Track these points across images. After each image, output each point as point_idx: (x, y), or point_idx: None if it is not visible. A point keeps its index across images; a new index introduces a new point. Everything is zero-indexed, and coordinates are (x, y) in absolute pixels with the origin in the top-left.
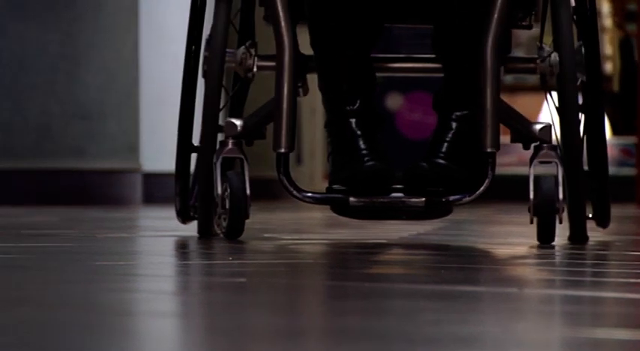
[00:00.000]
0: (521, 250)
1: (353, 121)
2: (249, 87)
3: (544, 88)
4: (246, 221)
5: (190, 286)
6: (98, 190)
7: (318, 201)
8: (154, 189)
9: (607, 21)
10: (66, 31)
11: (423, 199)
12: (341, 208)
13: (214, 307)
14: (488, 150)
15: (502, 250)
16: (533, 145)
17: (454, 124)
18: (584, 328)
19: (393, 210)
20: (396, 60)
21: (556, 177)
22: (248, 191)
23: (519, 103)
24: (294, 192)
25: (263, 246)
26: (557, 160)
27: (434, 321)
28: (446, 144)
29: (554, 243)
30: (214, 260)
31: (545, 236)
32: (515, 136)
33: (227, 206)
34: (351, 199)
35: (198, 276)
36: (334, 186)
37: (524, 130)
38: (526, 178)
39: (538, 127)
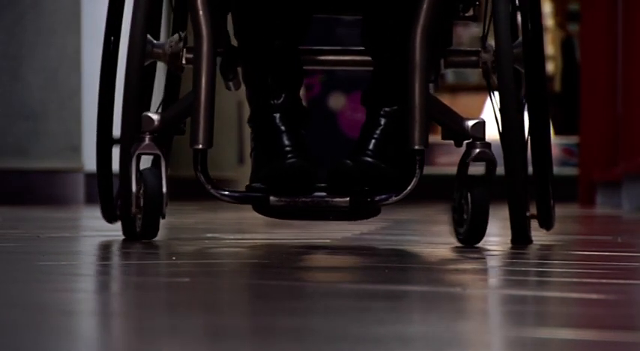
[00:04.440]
0: (465, 249)
1: (277, 115)
2: (180, 80)
3: (488, 88)
4: (191, 221)
5: (133, 286)
6: (41, 189)
7: (236, 200)
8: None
9: (549, 21)
10: (8, 30)
11: (347, 198)
12: (261, 207)
13: (157, 307)
14: (416, 147)
15: (446, 250)
16: (465, 142)
17: (383, 121)
18: (529, 327)
19: (316, 210)
20: (324, 52)
21: (488, 175)
22: (164, 189)
23: (461, 102)
24: (212, 190)
25: (206, 246)
26: (490, 159)
27: (378, 320)
28: (373, 141)
29: (496, 242)
30: (157, 260)
31: (474, 238)
32: (447, 133)
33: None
34: (272, 198)
35: (141, 276)
36: (254, 184)
37: (455, 127)
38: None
39: (470, 123)
